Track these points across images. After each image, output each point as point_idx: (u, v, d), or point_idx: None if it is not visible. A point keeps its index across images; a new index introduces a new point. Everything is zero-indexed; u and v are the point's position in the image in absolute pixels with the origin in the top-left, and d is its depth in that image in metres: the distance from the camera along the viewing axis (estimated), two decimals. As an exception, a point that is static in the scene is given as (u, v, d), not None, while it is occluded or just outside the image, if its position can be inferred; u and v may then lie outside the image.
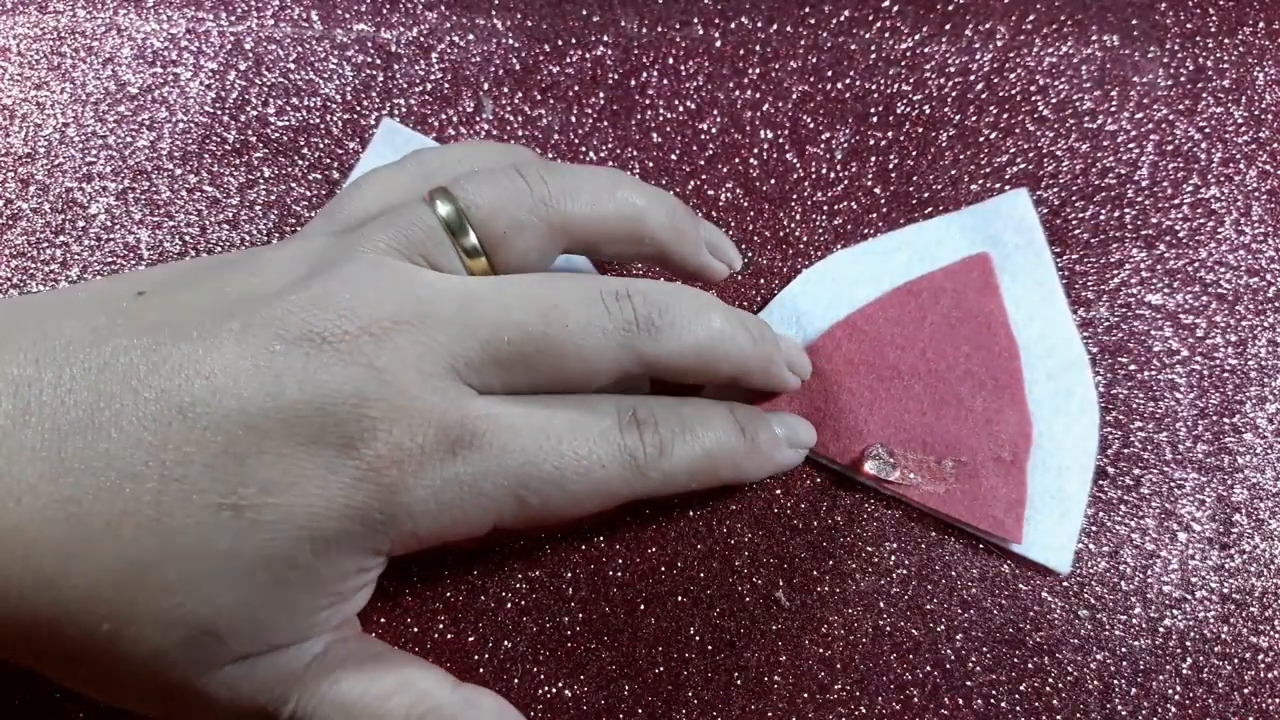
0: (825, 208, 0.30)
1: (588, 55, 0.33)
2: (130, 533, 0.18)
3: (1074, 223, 0.30)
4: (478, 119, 0.32)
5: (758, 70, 0.33)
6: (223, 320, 0.19)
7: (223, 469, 0.18)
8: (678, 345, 0.22)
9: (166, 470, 0.18)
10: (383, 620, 0.25)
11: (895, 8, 0.34)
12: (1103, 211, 0.30)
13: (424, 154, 0.25)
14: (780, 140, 0.31)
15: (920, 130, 0.32)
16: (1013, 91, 0.32)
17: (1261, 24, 0.34)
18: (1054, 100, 0.32)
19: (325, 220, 0.24)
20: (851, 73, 0.32)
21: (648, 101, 0.32)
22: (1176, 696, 0.25)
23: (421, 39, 0.33)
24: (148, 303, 0.20)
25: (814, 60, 0.33)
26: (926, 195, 0.30)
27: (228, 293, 0.20)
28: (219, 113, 0.32)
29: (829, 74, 0.32)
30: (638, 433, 0.22)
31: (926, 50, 0.33)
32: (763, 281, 0.29)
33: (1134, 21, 0.34)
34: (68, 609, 0.18)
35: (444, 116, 0.32)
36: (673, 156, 0.31)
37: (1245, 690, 0.25)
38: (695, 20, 0.33)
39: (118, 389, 0.18)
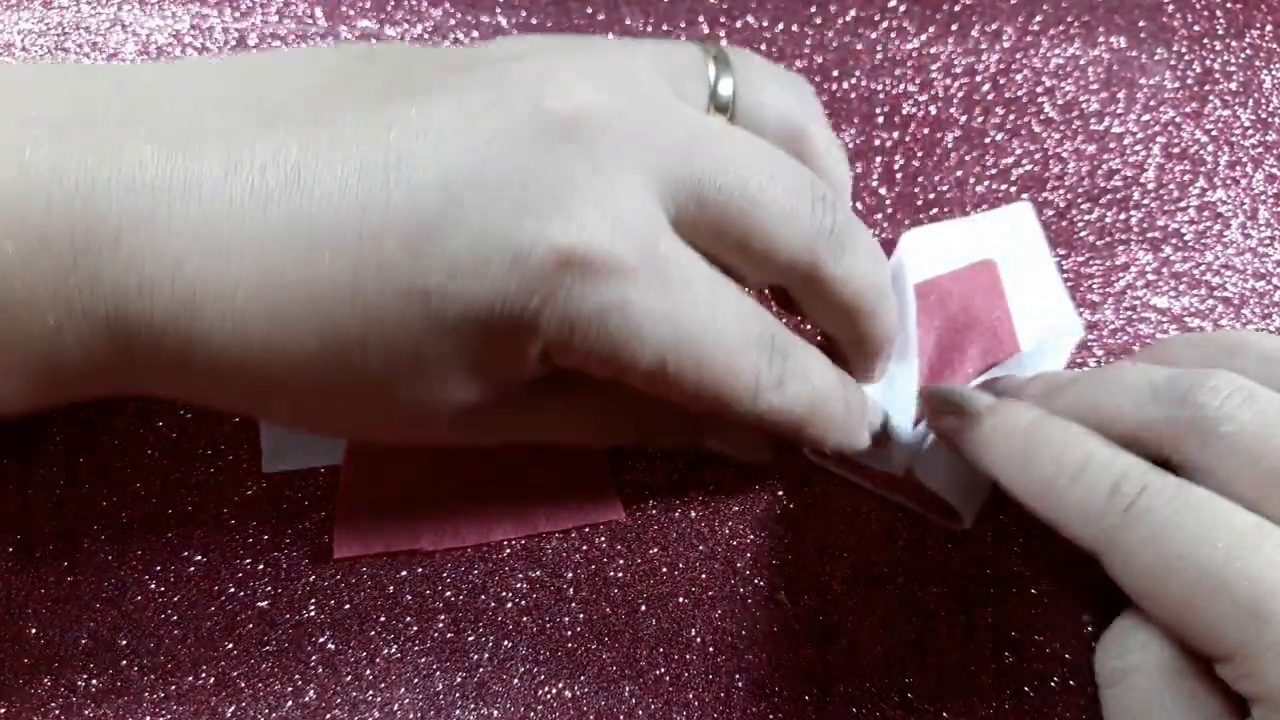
0: (830, 208, 0.30)
1: (592, 54, 0.33)
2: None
3: (1080, 225, 0.30)
4: (482, 117, 0.31)
5: (763, 70, 0.32)
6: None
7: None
8: (845, 275, 0.22)
9: None
10: (383, 619, 0.25)
11: (902, 8, 0.34)
12: (1109, 214, 0.30)
13: None
14: (785, 140, 0.31)
15: (926, 131, 0.31)
16: (1019, 93, 0.32)
17: (1269, 27, 0.34)
18: (1060, 102, 0.32)
19: None
20: (857, 73, 0.32)
21: (652, 100, 0.32)
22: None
23: (426, 36, 0.33)
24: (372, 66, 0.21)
25: (820, 60, 0.33)
26: (932, 196, 0.30)
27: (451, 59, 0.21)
28: (222, 109, 0.31)
29: (834, 74, 0.32)
30: (769, 354, 0.21)
31: (933, 51, 0.33)
32: (767, 282, 0.29)
33: (1141, 23, 0.34)
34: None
35: (448, 114, 0.31)
36: (677, 156, 0.31)
37: None
38: (701, 19, 0.33)
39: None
